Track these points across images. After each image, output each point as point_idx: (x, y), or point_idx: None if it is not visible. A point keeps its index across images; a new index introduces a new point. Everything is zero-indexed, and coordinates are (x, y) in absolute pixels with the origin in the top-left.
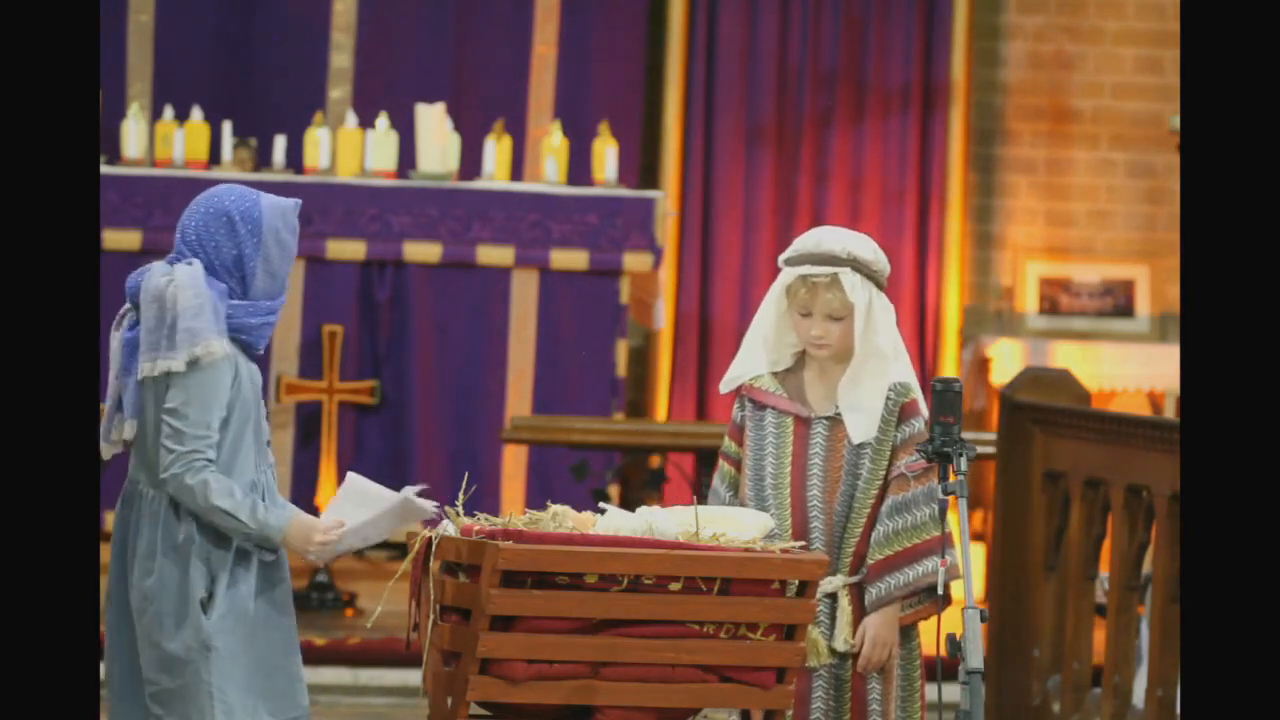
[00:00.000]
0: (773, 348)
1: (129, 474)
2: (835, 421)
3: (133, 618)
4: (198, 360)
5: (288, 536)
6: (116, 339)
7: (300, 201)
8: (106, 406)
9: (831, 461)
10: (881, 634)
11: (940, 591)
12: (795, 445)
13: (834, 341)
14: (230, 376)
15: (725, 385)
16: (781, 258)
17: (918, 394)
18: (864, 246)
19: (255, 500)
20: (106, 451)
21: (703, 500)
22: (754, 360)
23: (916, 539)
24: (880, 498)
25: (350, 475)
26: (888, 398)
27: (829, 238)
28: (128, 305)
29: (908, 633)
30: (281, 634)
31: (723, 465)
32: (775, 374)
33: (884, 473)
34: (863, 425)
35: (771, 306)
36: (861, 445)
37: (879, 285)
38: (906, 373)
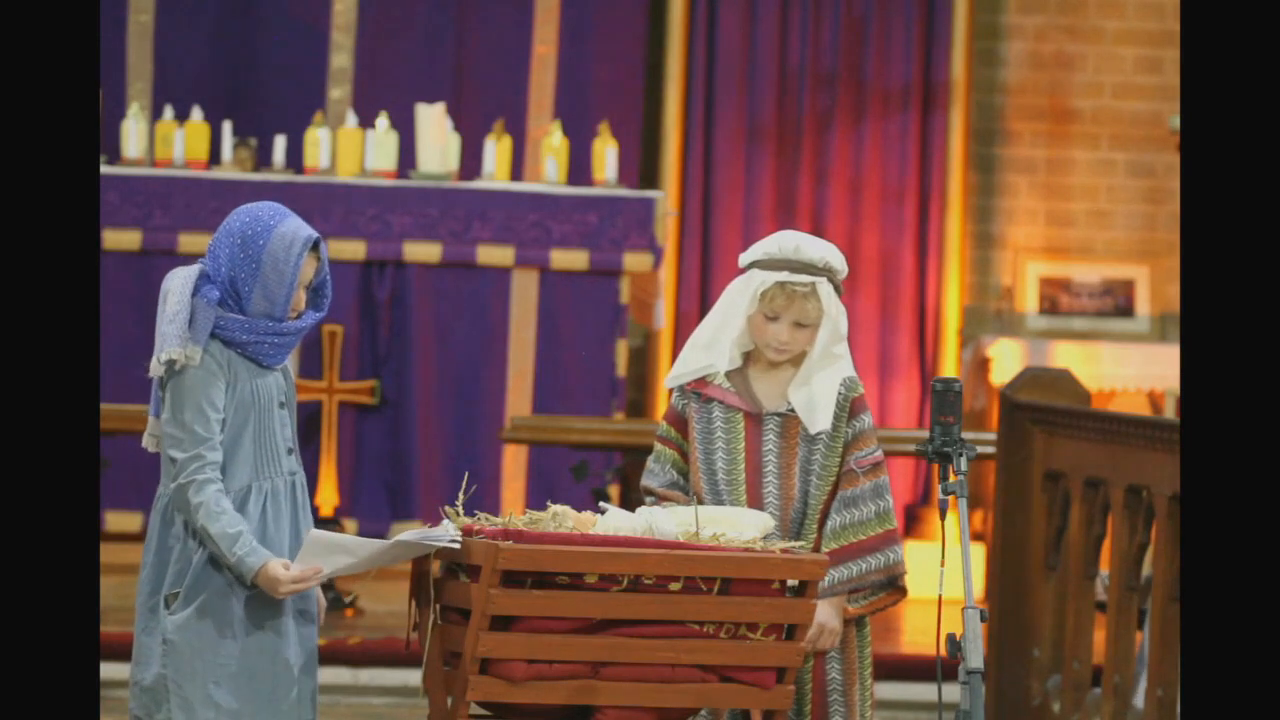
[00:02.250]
0: (739, 348)
1: None
2: (787, 418)
3: None
4: (171, 365)
5: (257, 580)
6: None
7: (317, 236)
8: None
9: (786, 457)
10: (827, 621)
11: (895, 585)
12: (748, 441)
13: (797, 348)
14: (218, 380)
15: (676, 380)
16: (747, 258)
17: (863, 389)
18: (836, 256)
19: (242, 536)
20: (151, 445)
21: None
22: (711, 356)
23: (860, 535)
24: (834, 490)
25: (312, 531)
26: (839, 392)
27: (807, 246)
28: None
29: (860, 623)
30: (270, 639)
31: (662, 449)
32: (726, 372)
33: (837, 466)
34: (819, 417)
35: (742, 308)
36: (816, 438)
37: (840, 292)
38: (851, 368)
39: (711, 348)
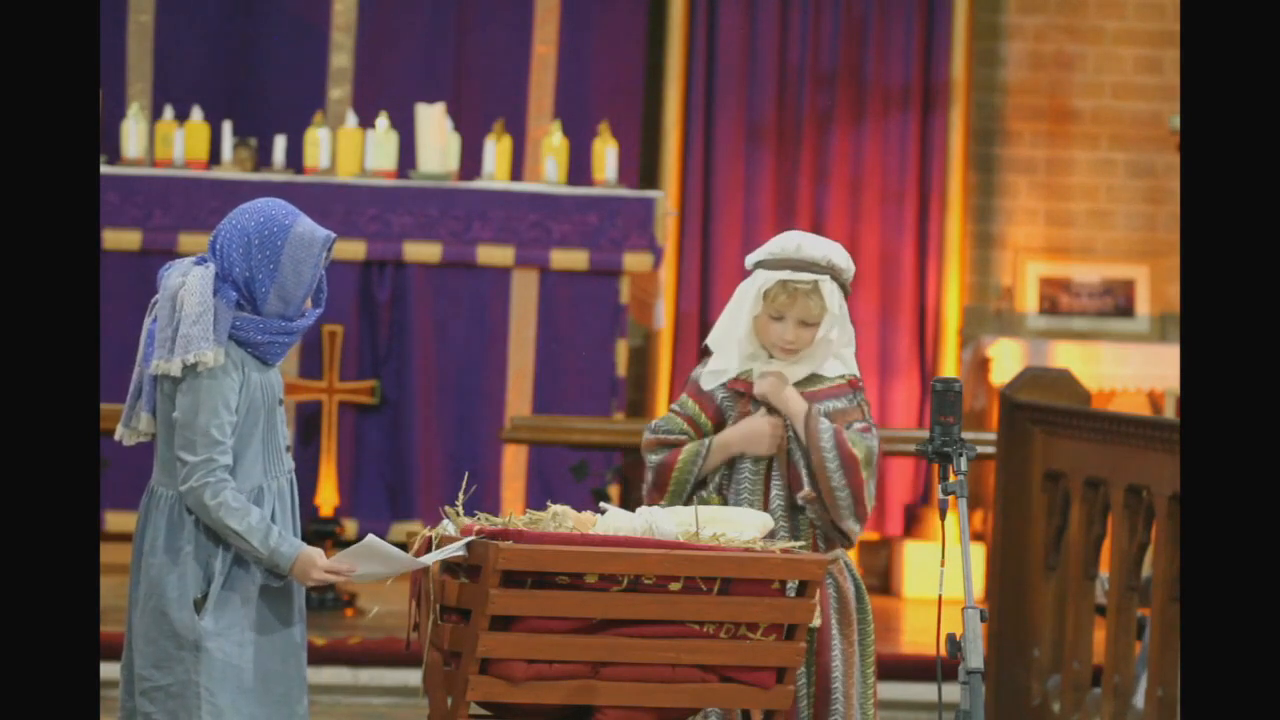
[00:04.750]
0: (745, 348)
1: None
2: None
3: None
4: (194, 367)
5: (294, 567)
6: (145, 326)
7: (334, 236)
8: (130, 390)
9: (794, 459)
10: (793, 397)
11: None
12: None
13: (803, 346)
14: (236, 382)
15: (709, 380)
16: (753, 260)
17: (854, 375)
18: (840, 255)
19: (269, 527)
20: (128, 438)
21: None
22: (724, 359)
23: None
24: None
25: (369, 536)
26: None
27: (809, 244)
28: (156, 296)
29: (863, 621)
30: (282, 640)
31: (675, 418)
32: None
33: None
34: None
35: (747, 309)
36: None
37: (846, 292)
38: (851, 365)
39: (722, 350)
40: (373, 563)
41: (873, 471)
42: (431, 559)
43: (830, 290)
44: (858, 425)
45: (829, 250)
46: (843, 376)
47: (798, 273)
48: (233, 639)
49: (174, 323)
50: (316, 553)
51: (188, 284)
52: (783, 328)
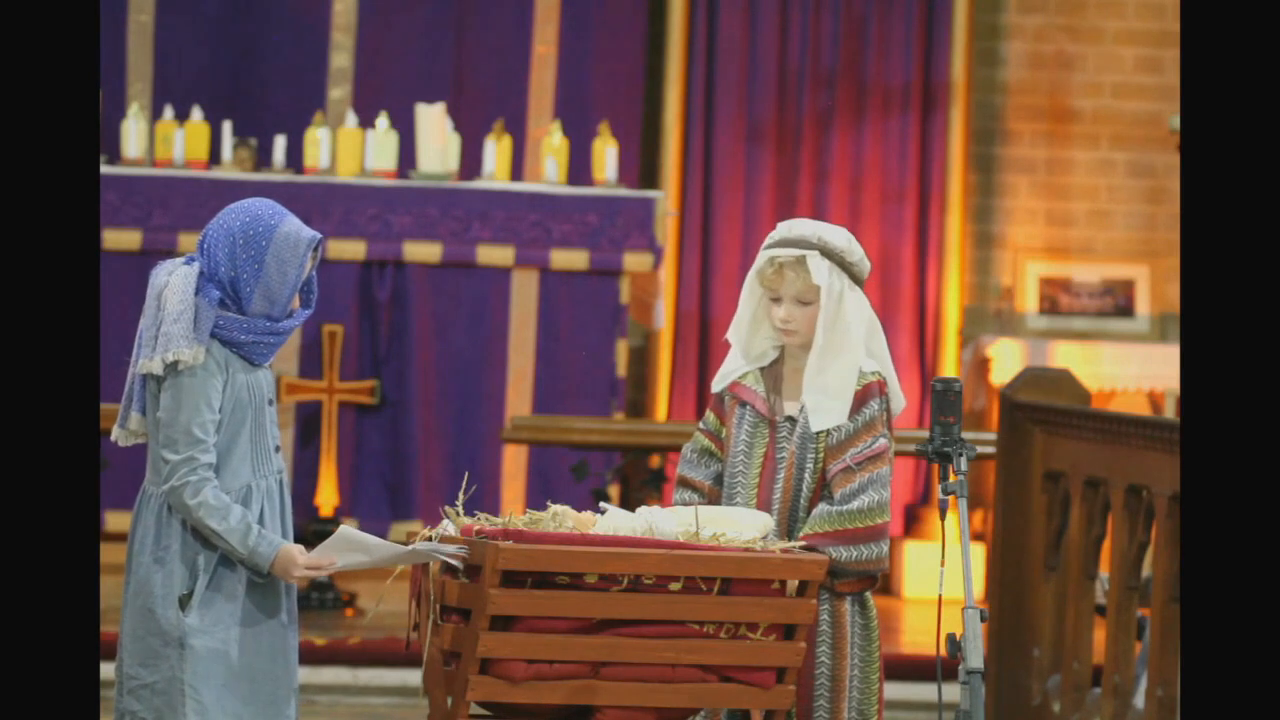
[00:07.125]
0: (750, 341)
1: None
2: (801, 420)
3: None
4: (174, 366)
5: (274, 566)
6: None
7: (321, 237)
8: (124, 391)
9: (799, 459)
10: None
11: (871, 577)
12: (769, 449)
13: (801, 328)
14: (219, 381)
15: (718, 382)
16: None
17: (873, 378)
18: (837, 235)
19: (249, 526)
20: (123, 439)
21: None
22: (736, 355)
23: (862, 522)
24: (822, 478)
25: (342, 527)
26: (854, 386)
27: (801, 224)
28: None
29: (865, 608)
30: (270, 639)
31: (699, 436)
32: (762, 369)
33: (825, 454)
34: (830, 412)
35: (746, 296)
36: (816, 436)
37: (853, 278)
38: (865, 357)
39: (733, 342)
40: (353, 553)
41: (882, 499)
42: (413, 548)
43: (819, 266)
44: (868, 449)
45: (820, 229)
46: (876, 373)
47: (784, 248)
48: (218, 635)
49: (157, 321)
50: (297, 549)
51: (170, 283)
52: (779, 309)
